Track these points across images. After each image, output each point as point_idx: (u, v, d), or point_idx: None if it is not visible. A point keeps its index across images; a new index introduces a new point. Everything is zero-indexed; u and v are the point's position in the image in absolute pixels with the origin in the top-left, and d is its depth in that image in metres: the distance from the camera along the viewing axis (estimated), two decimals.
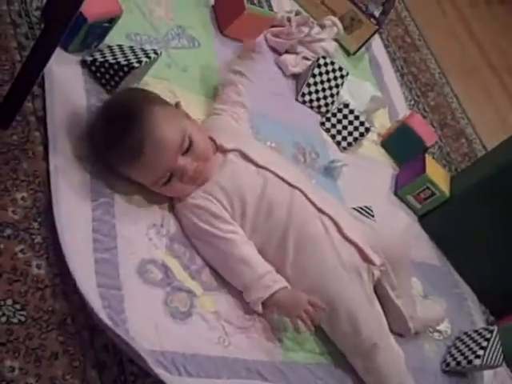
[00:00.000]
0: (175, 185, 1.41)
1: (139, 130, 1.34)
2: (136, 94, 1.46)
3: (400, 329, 1.64)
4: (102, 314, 1.18)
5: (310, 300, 1.40)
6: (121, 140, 1.35)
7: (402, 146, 2.16)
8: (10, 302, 1.15)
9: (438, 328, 1.80)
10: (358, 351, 1.47)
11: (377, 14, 2.35)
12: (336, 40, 2.26)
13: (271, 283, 1.40)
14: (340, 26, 2.24)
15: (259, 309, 1.40)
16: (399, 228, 2.01)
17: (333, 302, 1.45)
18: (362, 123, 2.01)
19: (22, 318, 1.15)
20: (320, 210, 1.50)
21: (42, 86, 1.43)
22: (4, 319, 1.13)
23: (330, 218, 1.50)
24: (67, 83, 1.47)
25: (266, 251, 1.46)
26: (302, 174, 1.72)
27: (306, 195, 1.50)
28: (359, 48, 2.37)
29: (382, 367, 1.46)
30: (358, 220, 1.61)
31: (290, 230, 1.46)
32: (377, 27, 2.33)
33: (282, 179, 1.49)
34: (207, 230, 1.40)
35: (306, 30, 2.11)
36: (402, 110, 2.40)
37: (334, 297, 1.45)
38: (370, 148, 2.15)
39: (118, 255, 1.30)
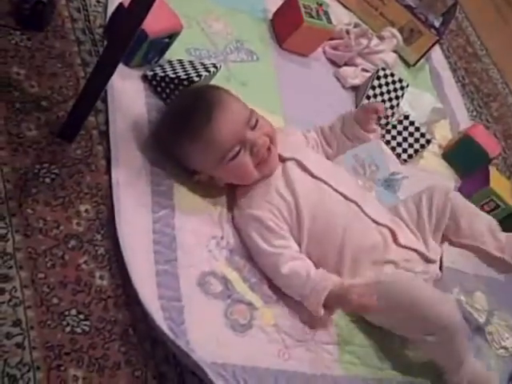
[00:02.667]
0: (243, 159, 1.41)
1: (209, 100, 1.40)
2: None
3: (500, 267, 1.63)
4: (163, 326, 1.20)
5: (358, 289, 1.39)
6: (190, 111, 1.40)
7: (465, 157, 2.13)
8: (74, 312, 1.18)
9: (503, 344, 1.76)
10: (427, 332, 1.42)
11: (437, 24, 2.33)
12: (395, 51, 2.25)
13: (324, 284, 1.38)
14: (399, 37, 2.23)
15: (322, 312, 1.39)
16: None
17: (408, 307, 1.41)
18: (422, 135, 1.99)
19: (86, 328, 1.17)
20: (377, 223, 1.50)
21: (104, 100, 1.46)
22: (68, 329, 1.15)
23: (389, 228, 1.50)
24: (129, 98, 1.50)
25: (323, 261, 1.46)
26: (359, 186, 1.71)
27: (361, 208, 1.50)
28: (419, 59, 2.36)
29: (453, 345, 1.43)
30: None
31: (346, 242, 1.46)
32: (437, 38, 2.31)
33: (338, 192, 1.49)
34: (259, 244, 1.41)
35: (364, 41, 2.11)
36: (464, 121, 2.36)
37: (407, 301, 1.42)
38: (432, 160, 2.12)
39: (179, 267, 1.32)
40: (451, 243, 1.62)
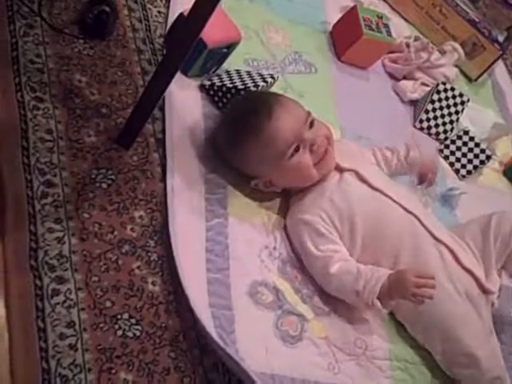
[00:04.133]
0: (303, 156, 1.43)
1: (268, 100, 1.45)
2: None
3: None
4: (213, 333, 1.21)
5: (413, 272, 1.36)
6: (250, 111, 1.43)
7: None
8: (126, 316, 1.20)
9: None
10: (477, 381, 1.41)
11: (501, 39, 2.30)
12: (457, 66, 2.22)
13: (377, 275, 1.37)
14: (461, 51, 2.20)
15: (378, 305, 1.36)
16: None
17: (447, 331, 1.41)
18: (482, 151, 1.96)
19: (137, 333, 1.19)
20: (436, 238, 1.47)
21: (162, 109, 1.49)
22: (120, 332, 1.17)
23: (447, 246, 1.47)
24: (186, 107, 1.53)
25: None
26: (418, 200, 1.69)
27: (421, 222, 1.48)
28: (481, 74, 2.32)
29: None
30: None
31: (401, 255, 1.44)
32: (500, 52, 2.27)
33: (398, 203, 1.48)
34: (308, 247, 1.41)
35: (425, 55, 2.09)
36: None
37: (448, 326, 1.41)
38: (491, 176, 2.08)
39: (230, 276, 1.33)
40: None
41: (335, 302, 1.42)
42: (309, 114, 1.46)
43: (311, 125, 1.45)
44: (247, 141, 1.42)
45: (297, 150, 1.42)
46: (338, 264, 1.39)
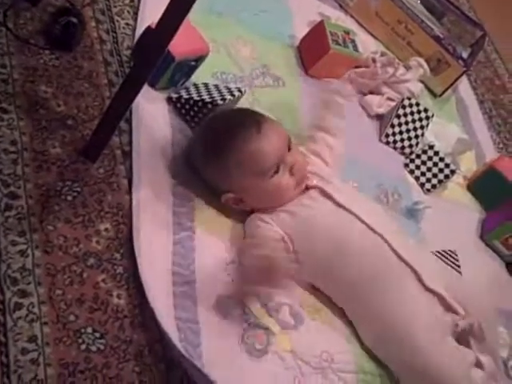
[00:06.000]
0: (284, 178, 1.44)
1: (256, 116, 1.47)
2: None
3: None
4: (179, 346, 1.20)
5: None
6: (238, 123, 1.44)
7: (490, 189, 2.10)
8: (90, 329, 1.18)
9: None
10: None
11: (465, 55, 2.32)
12: (422, 81, 2.24)
13: None
14: (426, 67, 2.22)
15: None
16: (485, 274, 1.95)
17: (400, 356, 1.40)
18: (447, 165, 1.98)
19: (101, 347, 1.17)
20: (400, 258, 1.44)
21: (129, 121, 1.48)
22: (84, 347, 1.16)
23: (410, 266, 1.44)
24: (153, 119, 1.52)
25: (331, 291, 1.46)
26: (385, 216, 1.68)
27: (387, 241, 1.45)
28: (446, 90, 2.34)
29: None
30: (441, 268, 1.57)
31: (363, 276, 1.42)
32: (464, 69, 2.30)
33: (361, 220, 1.46)
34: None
35: (391, 70, 2.10)
36: (490, 153, 2.34)
37: (401, 351, 1.39)
38: (456, 191, 2.10)
39: (197, 289, 1.32)
40: None
41: (301, 315, 1.42)
42: (288, 136, 1.47)
43: (289, 148, 1.46)
44: (230, 152, 1.41)
45: (276, 171, 1.43)
46: None
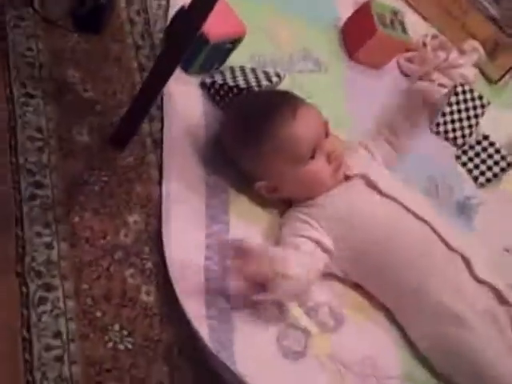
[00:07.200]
0: (320, 165, 1.44)
1: (292, 99, 1.48)
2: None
3: None
4: (211, 347, 1.21)
5: None
6: (272, 108, 1.44)
7: None
8: (117, 327, 1.20)
9: None
10: None
11: None
12: (477, 66, 2.22)
13: None
14: (482, 51, 2.19)
15: None
16: None
17: (458, 353, 1.39)
18: (503, 157, 1.95)
19: (129, 345, 1.19)
20: (451, 248, 1.46)
21: (160, 108, 1.50)
22: (110, 345, 1.18)
23: (462, 256, 1.46)
24: (186, 106, 1.54)
25: (377, 289, 1.46)
26: (433, 209, 1.67)
27: (435, 230, 1.46)
28: (503, 75, 2.31)
29: None
30: (497, 261, 1.56)
31: (412, 268, 1.43)
32: None
33: (410, 211, 1.46)
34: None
35: (443, 55, 2.08)
36: None
37: (459, 347, 1.40)
38: None
39: (230, 286, 1.33)
40: None
41: (342, 316, 1.42)
42: (326, 122, 1.48)
43: (326, 134, 1.47)
44: (263, 137, 1.42)
45: (312, 157, 1.44)
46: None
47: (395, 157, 1.64)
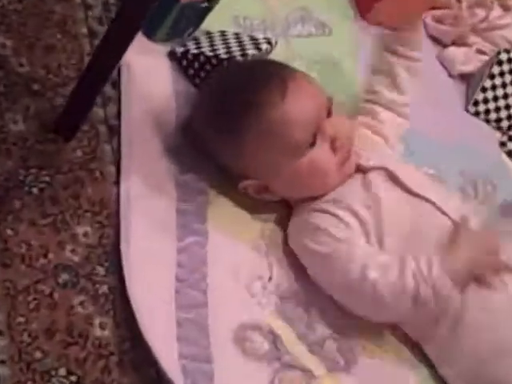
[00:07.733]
0: (322, 152, 1.43)
1: (278, 72, 1.46)
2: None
3: None
4: None
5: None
6: (254, 84, 1.43)
7: None
8: (62, 371, 1.18)
9: None
10: None
11: None
12: None
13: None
14: None
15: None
16: None
17: None
18: None
19: None
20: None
21: (117, 85, 1.49)
22: None
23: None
24: (150, 82, 1.53)
25: None
26: (471, 212, 1.67)
27: None
28: None
29: None
30: None
31: None
32: None
33: (444, 213, 1.46)
34: (317, 250, 1.40)
35: (481, 12, 2.10)
36: None
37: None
38: None
39: (209, 316, 1.32)
40: None
41: (354, 352, 1.41)
42: (330, 98, 1.47)
43: (329, 114, 1.46)
44: (249, 122, 1.41)
45: (312, 143, 1.42)
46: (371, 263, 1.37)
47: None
